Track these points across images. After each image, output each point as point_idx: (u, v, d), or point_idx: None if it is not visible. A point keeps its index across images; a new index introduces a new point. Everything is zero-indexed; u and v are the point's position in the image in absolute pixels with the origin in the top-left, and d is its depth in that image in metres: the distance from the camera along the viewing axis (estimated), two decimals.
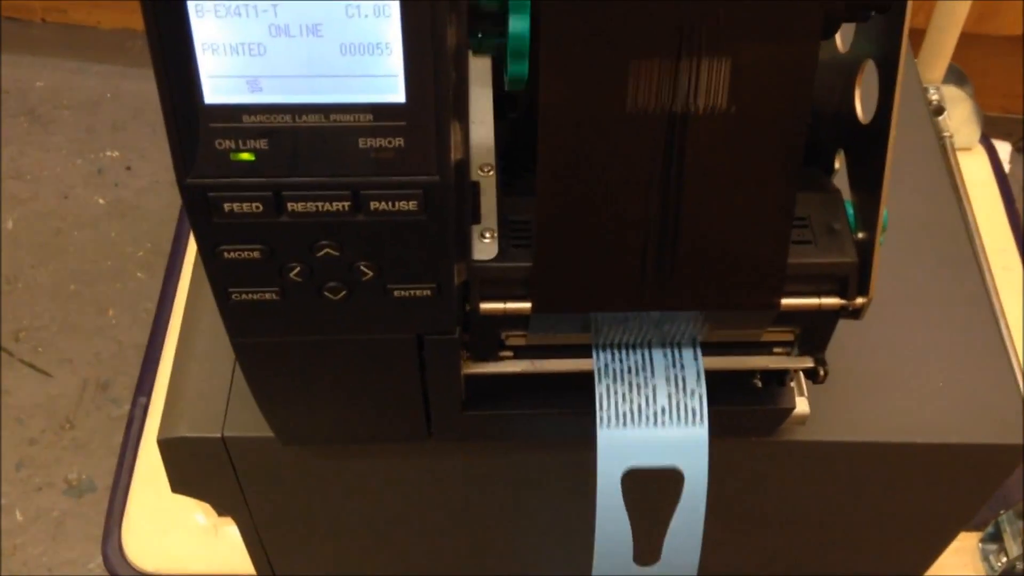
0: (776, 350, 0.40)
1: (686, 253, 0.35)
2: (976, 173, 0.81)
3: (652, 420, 0.40)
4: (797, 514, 0.54)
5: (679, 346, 0.40)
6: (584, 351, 0.40)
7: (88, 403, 0.79)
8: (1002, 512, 0.62)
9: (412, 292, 0.33)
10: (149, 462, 0.66)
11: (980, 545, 0.64)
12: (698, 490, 0.39)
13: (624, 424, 0.39)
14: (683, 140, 0.33)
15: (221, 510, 0.62)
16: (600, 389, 0.40)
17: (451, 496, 0.52)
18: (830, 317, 0.37)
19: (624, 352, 0.40)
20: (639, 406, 0.40)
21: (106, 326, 0.83)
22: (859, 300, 0.36)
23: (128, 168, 0.93)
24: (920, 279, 0.52)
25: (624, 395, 0.40)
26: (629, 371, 0.40)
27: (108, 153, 0.94)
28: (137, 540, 0.64)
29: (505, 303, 0.36)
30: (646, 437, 0.39)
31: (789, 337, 0.39)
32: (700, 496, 0.40)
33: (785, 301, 0.36)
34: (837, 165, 0.39)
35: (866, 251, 0.36)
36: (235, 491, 0.50)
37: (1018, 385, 0.49)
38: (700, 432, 0.40)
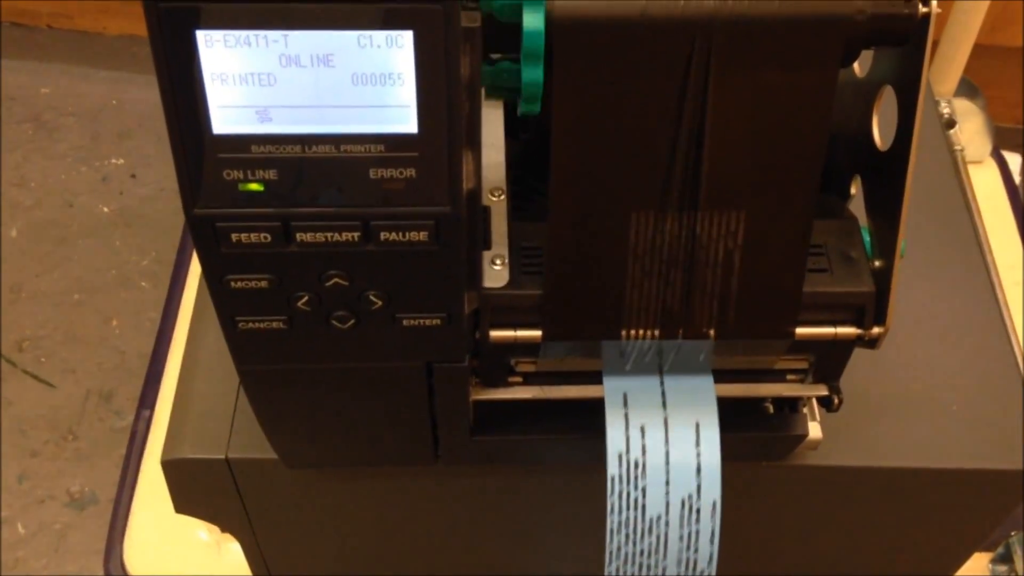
0: (790, 377, 0.40)
1: (700, 283, 0.34)
2: (987, 187, 0.80)
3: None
4: (808, 539, 0.53)
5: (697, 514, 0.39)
6: (594, 378, 0.39)
7: (91, 414, 0.78)
8: (1013, 533, 0.62)
9: (422, 321, 0.33)
10: (152, 476, 0.65)
11: (990, 566, 0.63)
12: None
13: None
14: (698, 167, 0.33)
15: (224, 528, 0.61)
16: (609, 570, 0.40)
17: (458, 520, 0.51)
18: (845, 346, 0.36)
19: (637, 530, 0.39)
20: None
21: (110, 336, 0.82)
22: (875, 330, 0.35)
23: (133, 176, 0.92)
24: (933, 301, 0.51)
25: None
26: (642, 553, 0.40)
27: (113, 161, 0.93)
28: (139, 556, 0.63)
29: (516, 331, 0.35)
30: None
31: (803, 364, 0.39)
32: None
33: (800, 330, 0.35)
34: (853, 191, 0.38)
35: (883, 280, 0.35)
36: (239, 512, 0.50)
37: None
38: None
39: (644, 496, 0.38)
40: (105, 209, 0.90)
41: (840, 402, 0.39)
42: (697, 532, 0.39)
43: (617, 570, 0.40)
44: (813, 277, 0.35)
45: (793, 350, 0.37)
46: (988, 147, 0.81)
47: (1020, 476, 0.47)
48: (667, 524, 0.39)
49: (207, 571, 0.62)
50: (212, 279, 0.31)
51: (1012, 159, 0.86)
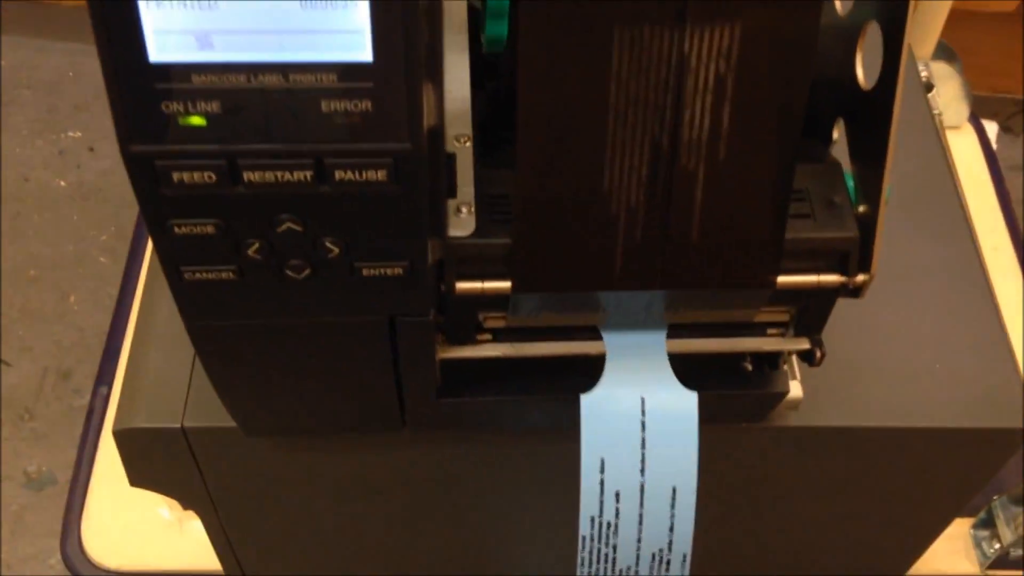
0: (770, 331, 0.38)
1: (677, 229, 0.33)
2: (965, 152, 0.79)
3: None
4: (789, 502, 0.52)
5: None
6: (567, 334, 0.37)
7: (48, 393, 0.76)
8: (995, 498, 0.61)
9: (382, 271, 0.31)
10: (110, 454, 0.63)
11: (972, 531, 0.62)
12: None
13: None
14: (676, 109, 0.31)
15: (185, 504, 0.59)
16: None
17: (427, 490, 0.49)
18: (829, 296, 0.35)
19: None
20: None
21: (67, 313, 0.79)
22: (860, 277, 0.34)
23: (91, 149, 0.90)
24: (915, 260, 0.50)
25: None
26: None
27: (70, 134, 0.90)
28: (98, 536, 0.61)
29: (483, 282, 0.33)
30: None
31: (784, 317, 0.37)
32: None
33: (782, 279, 0.34)
34: (836, 135, 0.36)
35: (868, 226, 0.33)
36: (198, 485, 0.47)
37: (1017, 368, 0.47)
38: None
39: (615, 552, 0.37)
40: (62, 183, 0.87)
41: (822, 356, 0.38)
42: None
43: None
44: (795, 223, 0.33)
45: (774, 301, 0.36)
46: (966, 112, 0.80)
47: (1004, 434, 0.46)
48: (636, 574, 0.38)
49: (169, 550, 0.60)
50: (154, 225, 0.29)
51: (989, 127, 0.85)
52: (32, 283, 0.81)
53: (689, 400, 0.38)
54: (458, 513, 0.52)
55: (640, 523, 0.39)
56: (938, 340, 0.47)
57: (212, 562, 0.59)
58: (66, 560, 0.60)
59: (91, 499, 0.62)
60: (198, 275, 0.30)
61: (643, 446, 0.38)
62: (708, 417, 0.38)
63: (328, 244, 0.30)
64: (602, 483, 0.39)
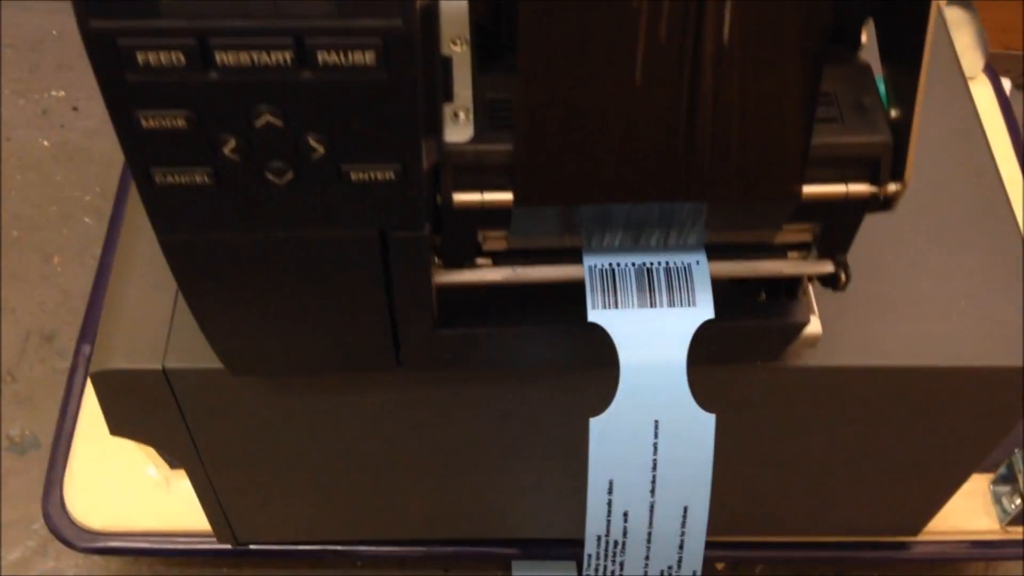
0: (791, 255, 0.36)
1: (694, 134, 0.30)
2: (980, 103, 0.77)
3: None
4: (804, 452, 0.49)
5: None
6: (573, 257, 0.35)
7: (32, 355, 0.73)
8: (1016, 451, 0.58)
9: (372, 175, 0.28)
10: (94, 413, 0.60)
11: (992, 487, 0.60)
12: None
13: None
14: (698, 5, 0.28)
15: (168, 456, 0.57)
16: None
17: (424, 438, 0.47)
18: (857, 208, 0.32)
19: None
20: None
21: (51, 274, 0.76)
22: (892, 187, 0.31)
23: (75, 109, 0.86)
24: (939, 198, 0.47)
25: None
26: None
27: (53, 93, 0.87)
28: (81, 496, 0.58)
29: (482, 193, 0.31)
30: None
31: (807, 237, 0.35)
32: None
33: (807, 189, 0.31)
34: (864, 38, 0.34)
35: (901, 130, 0.31)
36: (181, 432, 0.45)
37: None
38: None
39: (622, 569, 0.35)
40: (45, 143, 0.84)
41: (847, 278, 0.35)
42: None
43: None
44: (821, 127, 0.31)
45: (798, 217, 0.33)
46: (981, 62, 0.77)
47: None
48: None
49: (156, 510, 0.58)
50: (119, 118, 0.26)
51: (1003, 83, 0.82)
52: (14, 244, 0.78)
53: (706, 423, 0.36)
54: (457, 465, 0.49)
55: (649, 541, 0.38)
56: (963, 278, 0.45)
57: (201, 522, 0.56)
58: (48, 521, 0.58)
59: (74, 459, 0.59)
60: (170, 178, 0.28)
61: (654, 468, 0.36)
62: (726, 356, 0.36)
63: (312, 142, 0.27)
64: (610, 503, 0.37)
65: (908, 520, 0.57)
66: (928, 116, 0.50)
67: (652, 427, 0.35)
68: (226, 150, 0.27)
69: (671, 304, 0.34)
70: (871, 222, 0.45)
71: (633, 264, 0.34)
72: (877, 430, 0.47)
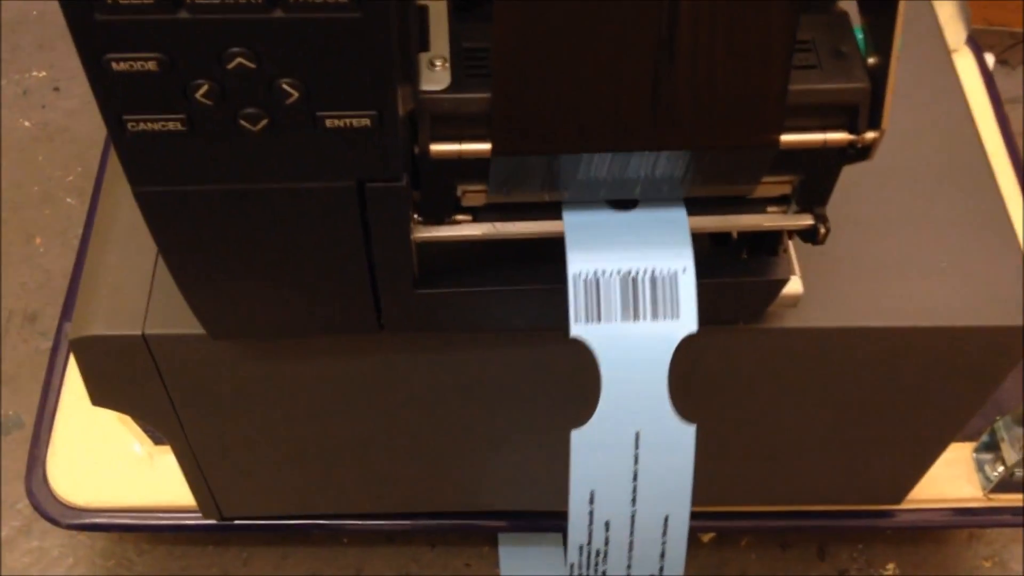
0: (770, 209, 0.36)
1: (675, 80, 0.30)
2: (962, 75, 0.77)
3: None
4: (784, 417, 0.49)
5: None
6: (555, 212, 0.35)
7: (14, 336, 0.72)
8: (998, 419, 0.58)
9: (347, 122, 0.28)
10: (77, 390, 0.60)
11: (974, 455, 0.60)
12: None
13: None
14: None
15: (152, 431, 0.56)
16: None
17: (408, 404, 0.47)
18: (835, 157, 0.32)
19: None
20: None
21: (33, 254, 0.76)
22: (870, 135, 0.31)
23: (56, 89, 0.86)
24: (921, 157, 0.47)
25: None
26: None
27: (34, 73, 0.87)
28: (65, 473, 0.58)
29: (460, 144, 0.31)
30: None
31: (786, 190, 0.35)
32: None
33: (785, 138, 0.31)
34: None
35: (879, 77, 0.31)
36: (162, 401, 0.45)
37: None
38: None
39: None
40: (26, 123, 0.83)
41: (827, 231, 0.35)
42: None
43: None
44: (799, 74, 0.31)
45: (776, 168, 0.33)
46: (963, 34, 0.77)
47: (1014, 333, 0.43)
48: None
49: (140, 486, 0.57)
50: (90, 63, 0.26)
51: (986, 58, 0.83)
52: None
53: (686, 433, 0.36)
54: (441, 434, 0.49)
55: (631, 550, 0.38)
56: (944, 240, 0.45)
57: (186, 497, 0.56)
58: (31, 498, 0.57)
59: (57, 436, 0.59)
60: (143, 125, 0.27)
61: (635, 478, 0.36)
62: (706, 317, 0.36)
63: (285, 86, 0.27)
64: (591, 513, 0.37)
65: (891, 488, 0.57)
66: (910, 83, 0.50)
67: (633, 439, 0.35)
68: (199, 95, 0.27)
69: (655, 317, 0.34)
70: (852, 183, 0.46)
71: (618, 272, 0.35)
72: (859, 393, 0.47)
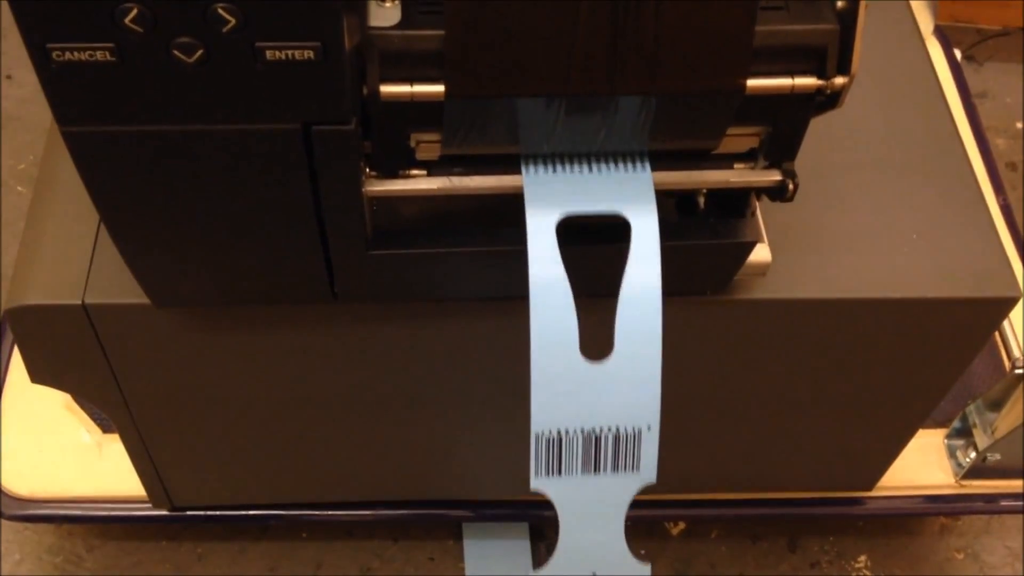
0: (737, 166, 0.34)
1: (635, 21, 0.28)
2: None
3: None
4: (752, 397, 0.48)
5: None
6: (513, 165, 0.33)
7: None
8: (970, 403, 0.57)
9: (289, 54, 0.26)
10: (23, 377, 0.57)
11: (946, 441, 0.59)
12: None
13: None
14: None
15: (98, 412, 0.54)
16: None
17: (364, 382, 0.45)
18: (803, 105, 0.31)
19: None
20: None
21: None
22: (839, 80, 0.30)
23: (8, 77, 0.84)
24: (892, 130, 0.46)
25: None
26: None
27: None
28: (9, 462, 0.55)
29: (411, 85, 0.29)
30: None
31: (753, 143, 0.33)
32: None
33: (752, 83, 0.30)
34: None
35: (847, 20, 0.30)
36: (105, 377, 0.43)
37: (996, 240, 0.44)
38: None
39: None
40: None
41: (795, 188, 0.34)
42: None
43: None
44: (766, 15, 0.29)
45: (743, 119, 0.32)
46: (931, 23, 0.77)
47: (986, 305, 0.42)
48: None
49: (88, 475, 0.55)
50: None
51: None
52: None
53: (643, 571, 0.37)
54: (400, 413, 0.48)
55: None
56: (915, 212, 0.44)
57: (136, 488, 0.54)
58: None
59: (2, 426, 0.56)
60: (68, 55, 0.26)
61: None
62: (668, 287, 0.34)
63: (221, 11, 0.25)
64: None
65: (862, 474, 0.56)
66: (883, 62, 0.50)
67: None
68: (128, 20, 0.25)
69: (615, 469, 0.34)
70: (822, 155, 0.45)
71: (582, 431, 0.35)
72: (829, 368, 0.46)
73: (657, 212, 0.33)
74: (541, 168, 0.33)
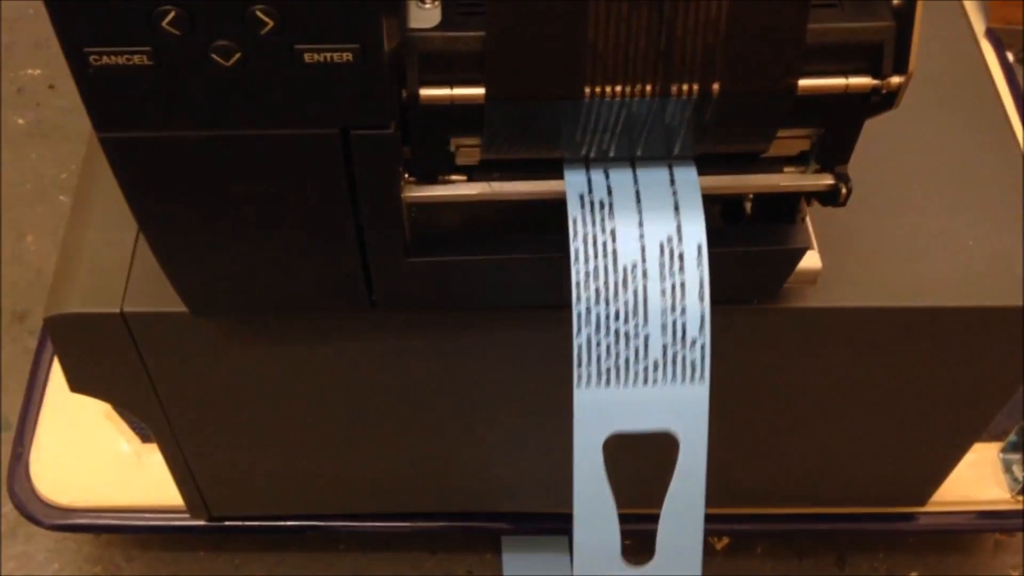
0: (787, 170, 0.33)
1: (683, 20, 0.27)
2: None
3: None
4: (802, 409, 0.46)
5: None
6: (555, 171, 0.32)
7: (4, 335, 0.70)
8: None
9: (328, 56, 0.26)
10: (63, 387, 0.58)
11: (1001, 456, 0.57)
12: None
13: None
14: None
15: (137, 423, 0.54)
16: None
17: (403, 392, 0.44)
18: (857, 106, 0.30)
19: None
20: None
21: (25, 252, 0.74)
22: (895, 79, 0.29)
23: (51, 87, 0.84)
24: (947, 133, 0.45)
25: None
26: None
27: (29, 71, 0.85)
28: (49, 472, 0.55)
29: (452, 88, 0.28)
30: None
31: (804, 145, 0.32)
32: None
33: (804, 82, 0.29)
34: None
35: (904, 17, 0.28)
36: (144, 386, 0.42)
37: None
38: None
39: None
40: (20, 121, 0.82)
41: (848, 192, 0.32)
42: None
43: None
44: (819, 12, 0.28)
45: (795, 120, 0.30)
46: (983, 25, 0.75)
47: None
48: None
49: (127, 485, 0.55)
50: None
51: None
52: None
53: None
54: (439, 425, 0.47)
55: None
56: (968, 218, 0.42)
57: (175, 498, 0.53)
58: (13, 498, 0.55)
59: (42, 435, 0.57)
60: (106, 59, 0.25)
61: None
62: (716, 295, 0.33)
63: (259, 14, 0.25)
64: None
65: (914, 488, 0.55)
66: (936, 61, 0.48)
67: None
68: (165, 23, 0.24)
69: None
70: (876, 159, 0.43)
71: None
72: (882, 379, 0.44)
73: (707, 429, 0.32)
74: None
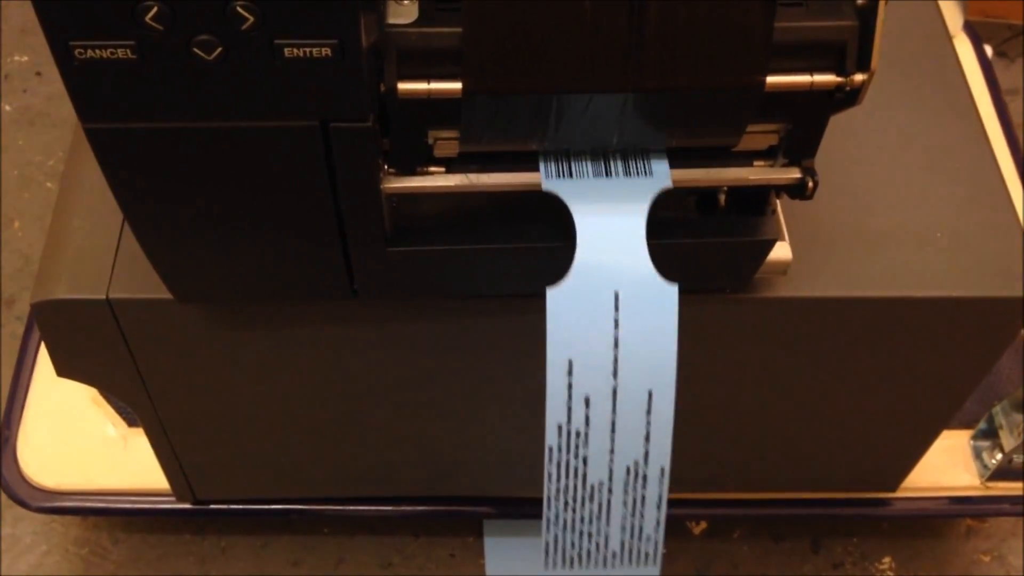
0: (756, 163, 0.34)
1: (656, 18, 0.28)
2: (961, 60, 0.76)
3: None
4: (774, 395, 0.48)
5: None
6: (531, 162, 0.33)
7: None
8: (996, 404, 0.57)
9: (307, 51, 0.27)
10: (50, 371, 0.58)
11: (972, 442, 0.58)
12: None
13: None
14: None
15: (124, 406, 0.55)
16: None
17: (385, 378, 0.45)
18: (823, 102, 0.31)
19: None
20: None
21: (11, 239, 0.75)
22: (858, 77, 0.30)
23: (38, 74, 0.85)
24: (917, 127, 0.46)
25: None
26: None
27: (16, 58, 0.85)
28: (36, 455, 0.56)
29: (429, 82, 0.29)
30: None
31: (772, 140, 0.33)
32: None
33: (771, 79, 0.30)
34: None
35: (867, 16, 0.29)
36: (129, 371, 0.43)
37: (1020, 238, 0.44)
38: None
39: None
40: (7, 107, 0.82)
41: (815, 185, 0.33)
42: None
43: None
44: (785, 11, 0.29)
45: (762, 116, 0.31)
46: (960, 19, 0.76)
47: (1012, 304, 0.42)
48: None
49: (113, 468, 0.56)
50: None
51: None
52: None
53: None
54: (422, 410, 0.48)
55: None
56: (939, 209, 0.43)
57: (161, 481, 0.54)
58: (0, 481, 0.56)
59: (29, 418, 0.57)
60: (90, 53, 0.26)
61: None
62: (686, 283, 0.34)
63: (241, 10, 0.25)
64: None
65: (886, 474, 0.56)
66: (909, 61, 0.49)
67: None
68: (148, 18, 0.25)
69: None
70: (845, 153, 0.44)
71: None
72: (853, 367, 0.45)
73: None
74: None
